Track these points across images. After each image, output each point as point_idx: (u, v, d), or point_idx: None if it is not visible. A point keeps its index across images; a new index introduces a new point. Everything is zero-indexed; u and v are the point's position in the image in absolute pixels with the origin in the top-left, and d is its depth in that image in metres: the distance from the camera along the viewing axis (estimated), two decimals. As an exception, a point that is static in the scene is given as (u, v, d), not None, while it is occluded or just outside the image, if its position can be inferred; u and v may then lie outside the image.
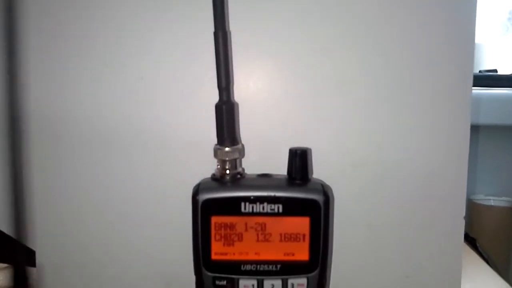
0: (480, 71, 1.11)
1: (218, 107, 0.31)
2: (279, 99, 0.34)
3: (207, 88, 0.33)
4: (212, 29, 0.30)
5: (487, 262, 0.57)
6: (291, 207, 0.30)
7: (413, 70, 0.34)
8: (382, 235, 0.35)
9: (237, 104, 0.33)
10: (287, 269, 0.30)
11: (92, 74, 0.34)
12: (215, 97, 0.31)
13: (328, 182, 0.33)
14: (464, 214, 0.35)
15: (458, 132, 0.34)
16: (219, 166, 0.31)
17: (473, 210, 0.94)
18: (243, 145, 0.33)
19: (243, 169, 0.33)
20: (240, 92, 0.34)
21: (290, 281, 0.30)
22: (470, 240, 0.65)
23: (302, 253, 0.30)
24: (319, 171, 0.34)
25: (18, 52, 0.35)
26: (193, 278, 0.31)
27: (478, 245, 0.67)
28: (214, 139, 0.31)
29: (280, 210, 0.29)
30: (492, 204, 0.96)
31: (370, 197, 0.35)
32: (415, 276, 0.36)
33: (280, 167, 0.32)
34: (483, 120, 0.87)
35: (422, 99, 0.34)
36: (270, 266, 0.30)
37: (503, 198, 0.97)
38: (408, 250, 0.36)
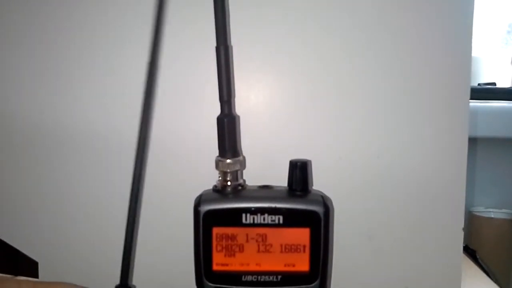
0: (479, 84, 1.12)
1: (219, 120, 0.31)
2: (280, 111, 0.35)
3: (209, 101, 0.34)
4: (214, 44, 0.31)
5: (487, 274, 0.57)
6: (292, 218, 0.30)
7: (411, 83, 0.34)
8: (382, 247, 0.36)
9: (238, 117, 0.33)
10: (288, 280, 0.30)
11: (93, 85, 0.35)
12: (216, 110, 0.31)
13: (327, 193, 0.33)
14: (463, 225, 0.35)
15: (456, 144, 0.35)
16: (220, 178, 0.32)
17: (473, 222, 0.93)
18: (244, 157, 0.33)
19: (244, 181, 0.33)
20: (241, 104, 0.34)
21: (291, 292, 0.30)
22: (470, 252, 0.65)
23: (302, 264, 0.30)
24: (319, 182, 0.34)
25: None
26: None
27: (478, 257, 0.67)
28: (215, 151, 0.32)
29: (281, 221, 0.30)
30: (492, 216, 0.95)
31: (370, 208, 0.35)
32: (415, 286, 0.36)
33: (280, 179, 0.32)
34: (481, 132, 0.87)
35: (420, 112, 0.34)
36: (271, 277, 0.30)
37: (503, 210, 0.97)
38: (407, 261, 0.36)
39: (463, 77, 0.34)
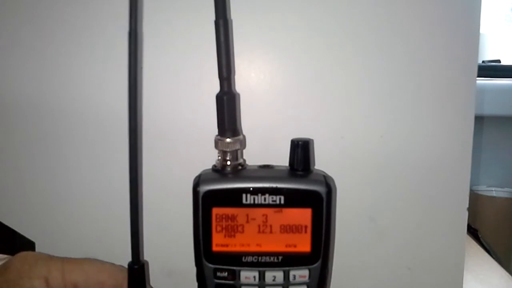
0: (483, 62, 1.10)
1: (219, 98, 0.30)
2: (281, 89, 0.34)
3: (207, 78, 0.33)
4: (213, 18, 0.30)
5: (489, 253, 0.57)
6: (293, 199, 0.29)
7: (417, 61, 0.33)
8: (384, 227, 0.35)
9: (239, 95, 0.32)
10: (289, 260, 0.30)
11: (91, 65, 0.34)
12: (216, 87, 0.30)
13: (330, 173, 0.33)
14: (467, 205, 0.35)
15: (461, 123, 0.34)
16: (220, 157, 0.31)
17: (475, 201, 0.94)
18: (244, 136, 0.32)
19: (244, 160, 0.32)
20: (241, 82, 0.33)
21: (291, 273, 0.30)
22: (472, 231, 0.65)
23: (304, 245, 0.30)
24: (321, 161, 0.33)
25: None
26: (194, 269, 0.31)
27: (480, 236, 0.67)
28: (215, 130, 0.31)
29: (282, 202, 0.29)
30: (495, 195, 0.95)
31: (372, 188, 0.35)
32: (417, 267, 0.36)
33: (281, 158, 0.31)
34: (487, 110, 0.86)
35: (425, 90, 0.34)
36: (272, 258, 0.30)
37: (506, 189, 0.97)
38: (410, 241, 0.35)
39: (470, 54, 0.33)
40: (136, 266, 0.30)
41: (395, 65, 0.33)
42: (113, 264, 0.32)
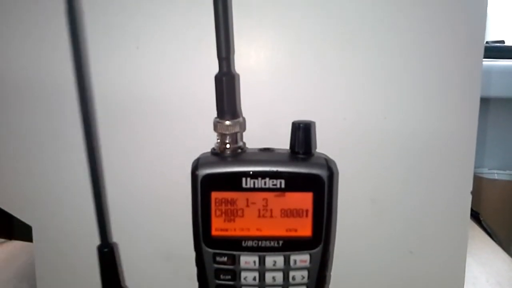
0: (487, 42, 1.09)
1: (218, 79, 0.30)
2: (282, 70, 0.33)
3: (206, 58, 0.32)
4: (211, -4, 0.29)
5: (491, 236, 0.57)
6: (294, 182, 0.29)
7: (422, 39, 0.32)
8: (386, 210, 0.35)
9: (238, 75, 0.31)
10: (290, 245, 0.30)
11: (88, 44, 0.33)
12: (214, 68, 0.29)
13: (332, 156, 0.32)
14: (471, 189, 0.34)
15: (467, 105, 0.33)
16: (219, 140, 0.30)
17: (477, 184, 0.93)
18: (244, 118, 0.32)
19: (244, 143, 0.32)
20: (241, 62, 0.32)
21: (292, 257, 0.30)
22: (473, 214, 0.65)
23: (304, 229, 0.29)
24: (322, 144, 0.33)
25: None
26: (193, 253, 0.30)
27: (481, 219, 0.67)
28: (213, 112, 0.30)
29: (283, 186, 0.29)
30: (496, 177, 0.95)
31: (375, 170, 0.34)
32: (419, 251, 0.35)
33: (282, 141, 0.31)
34: (492, 92, 0.85)
35: (429, 70, 0.33)
36: (272, 242, 0.29)
37: (507, 171, 0.96)
38: (412, 225, 0.35)
39: (477, 34, 0.32)
40: (105, 249, 0.29)
41: (400, 45, 0.32)
42: None
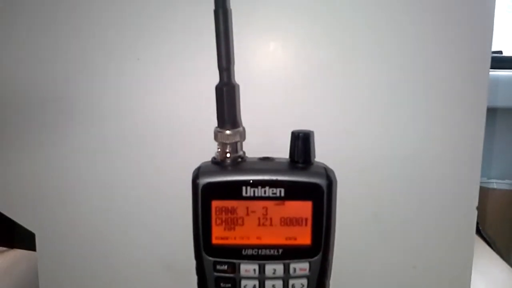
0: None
1: (218, 89, 0.30)
2: (282, 80, 0.33)
3: (207, 69, 0.32)
4: (212, 7, 0.29)
5: (490, 246, 0.57)
6: (293, 191, 0.29)
7: (428, 48, 0.32)
8: (388, 223, 0.34)
9: (238, 86, 0.32)
10: (289, 253, 0.30)
11: (88, 56, 0.33)
12: (215, 79, 0.30)
13: (331, 166, 0.32)
14: (477, 203, 0.34)
15: (472, 121, 0.33)
16: (219, 150, 0.31)
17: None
18: (244, 128, 0.32)
19: (244, 153, 0.32)
20: (241, 72, 0.32)
21: (292, 266, 0.30)
22: (472, 223, 0.65)
23: (304, 238, 0.30)
24: (322, 154, 0.33)
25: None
26: (193, 262, 0.30)
27: (480, 228, 0.67)
28: (214, 122, 0.30)
29: (282, 194, 0.29)
30: (495, 187, 0.95)
31: (376, 182, 0.34)
32: (423, 267, 0.35)
33: (282, 151, 0.31)
34: (501, 103, 0.85)
35: (434, 79, 0.32)
36: (272, 251, 0.30)
37: (506, 181, 0.97)
38: (415, 240, 0.35)
39: (483, 45, 0.32)
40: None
41: (404, 55, 0.32)
42: None
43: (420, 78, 0.32)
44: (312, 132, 0.32)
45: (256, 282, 0.30)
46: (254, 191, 0.29)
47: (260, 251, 0.30)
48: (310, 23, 0.32)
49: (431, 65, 0.32)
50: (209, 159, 0.31)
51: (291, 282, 0.30)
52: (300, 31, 0.33)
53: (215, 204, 0.29)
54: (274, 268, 0.30)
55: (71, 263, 0.36)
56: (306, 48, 0.33)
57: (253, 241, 0.30)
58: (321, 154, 0.33)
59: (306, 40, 0.33)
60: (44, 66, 0.34)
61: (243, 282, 0.30)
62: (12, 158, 0.35)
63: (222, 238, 0.29)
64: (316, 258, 0.30)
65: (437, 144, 0.33)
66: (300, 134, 0.30)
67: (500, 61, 0.95)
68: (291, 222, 0.29)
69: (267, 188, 0.29)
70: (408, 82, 0.33)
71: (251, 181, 0.29)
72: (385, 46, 0.32)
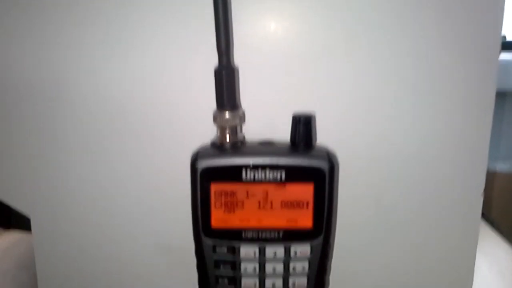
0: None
1: (217, 72, 0.30)
2: (282, 62, 0.33)
3: (206, 52, 0.32)
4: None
5: (493, 228, 0.57)
6: (294, 175, 0.29)
7: (435, 32, 0.31)
8: (390, 208, 0.34)
9: (237, 69, 0.31)
10: (290, 235, 0.30)
11: (87, 41, 0.33)
12: (214, 61, 0.30)
13: (333, 149, 0.32)
14: (483, 188, 0.33)
15: (481, 104, 0.32)
16: (218, 133, 0.30)
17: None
18: (243, 111, 0.32)
19: (244, 136, 0.32)
20: (241, 54, 0.32)
21: (293, 248, 0.30)
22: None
23: (305, 220, 0.30)
24: (324, 137, 0.33)
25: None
26: (192, 245, 0.30)
27: (483, 212, 0.67)
28: (213, 105, 0.30)
29: (283, 178, 0.29)
30: (497, 170, 0.95)
31: (378, 167, 0.33)
32: (425, 252, 0.35)
33: (283, 134, 0.31)
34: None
35: (441, 64, 0.32)
36: (272, 233, 0.30)
37: (508, 163, 0.96)
38: (418, 226, 0.34)
39: (494, 29, 0.31)
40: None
41: (409, 37, 0.31)
42: None
43: (427, 62, 0.32)
44: (314, 115, 0.31)
45: (256, 265, 0.30)
46: (254, 175, 0.29)
47: (260, 233, 0.29)
48: (315, 5, 0.32)
49: (440, 48, 0.31)
50: (208, 142, 0.31)
51: (292, 264, 0.30)
52: (301, 10, 0.32)
53: (214, 187, 0.29)
54: (274, 250, 0.30)
55: (67, 244, 0.36)
56: (307, 28, 0.32)
57: (253, 223, 0.29)
58: (322, 138, 0.33)
59: (306, 21, 0.32)
60: (42, 64, 0.34)
61: (243, 265, 0.30)
62: (7, 143, 0.35)
63: (221, 221, 0.29)
64: (317, 240, 0.30)
65: (445, 129, 0.33)
66: (301, 118, 0.30)
67: (503, 46, 0.94)
68: (292, 205, 0.29)
69: (267, 172, 0.29)
70: (415, 65, 0.32)
71: (251, 165, 0.29)
72: (390, 29, 0.31)
